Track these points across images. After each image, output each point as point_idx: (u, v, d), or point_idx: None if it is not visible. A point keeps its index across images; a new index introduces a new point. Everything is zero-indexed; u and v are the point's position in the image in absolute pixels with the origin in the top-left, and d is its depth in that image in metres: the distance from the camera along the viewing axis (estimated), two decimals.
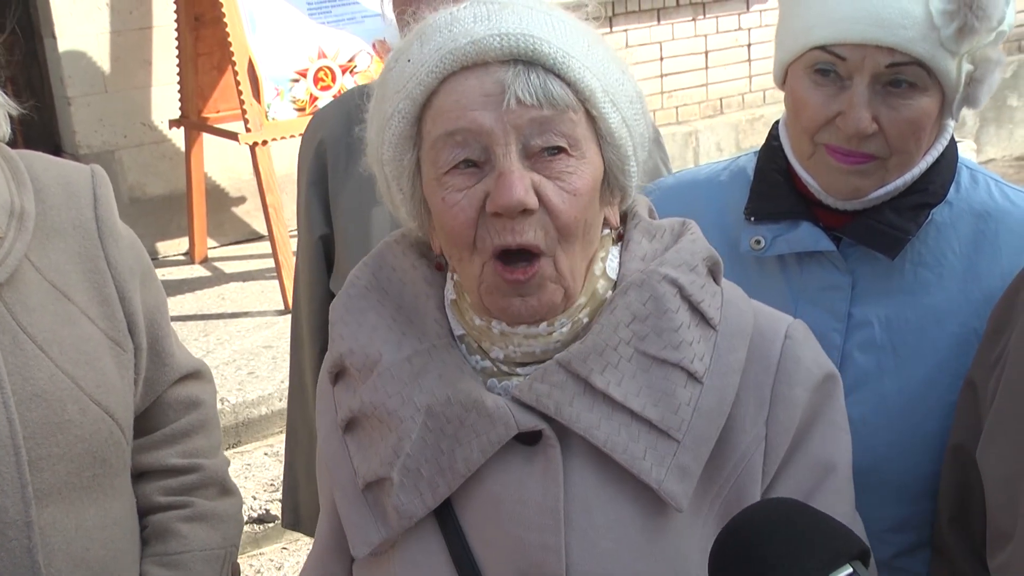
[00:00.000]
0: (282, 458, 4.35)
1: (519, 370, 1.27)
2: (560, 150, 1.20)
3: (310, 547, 1.53)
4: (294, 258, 5.20)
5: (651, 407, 1.23)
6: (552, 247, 1.21)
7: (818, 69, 1.55)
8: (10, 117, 1.69)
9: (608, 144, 1.25)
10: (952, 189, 1.64)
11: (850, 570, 1.01)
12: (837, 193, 1.60)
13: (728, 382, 1.26)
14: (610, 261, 1.31)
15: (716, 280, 1.33)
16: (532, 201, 1.18)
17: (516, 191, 1.17)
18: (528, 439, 1.23)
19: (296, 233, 2.44)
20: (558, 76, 1.20)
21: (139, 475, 1.78)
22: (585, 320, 1.27)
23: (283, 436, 4.42)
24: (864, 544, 1.05)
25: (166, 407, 1.82)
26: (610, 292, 1.29)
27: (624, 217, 1.36)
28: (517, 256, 1.20)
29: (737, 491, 1.27)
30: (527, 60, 1.19)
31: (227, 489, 1.87)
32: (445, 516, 1.25)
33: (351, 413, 1.31)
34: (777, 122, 1.72)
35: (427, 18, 1.25)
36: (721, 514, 1.26)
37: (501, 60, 1.19)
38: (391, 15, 2.13)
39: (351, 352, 1.31)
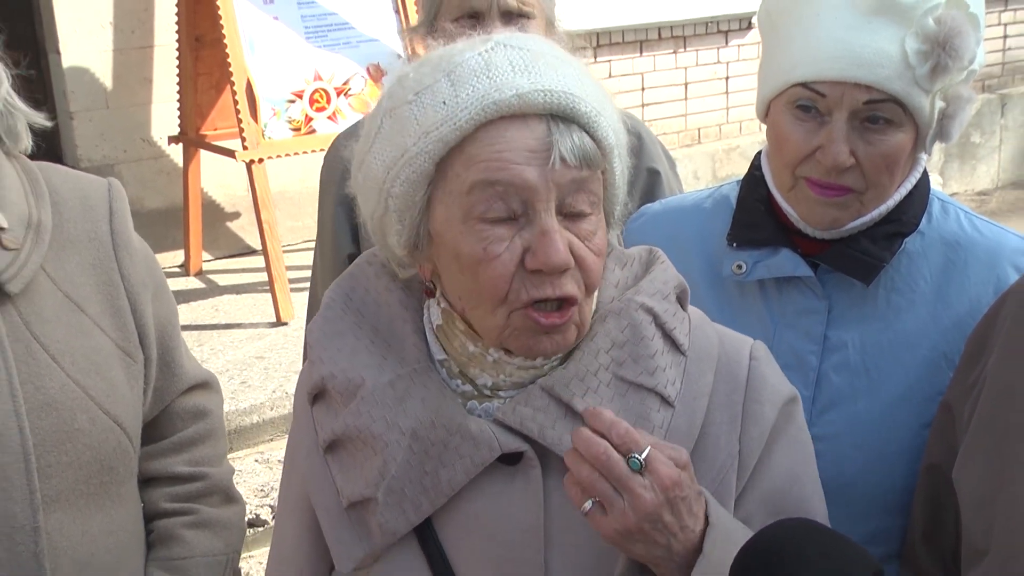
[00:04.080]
0: (272, 465, 4.34)
1: (500, 393, 1.27)
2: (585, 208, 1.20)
3: None
4: (287, 272, 5.22)
5: None
6: (582, 297, 1.21)
7: (799, 105, 1.57)
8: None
9: (610, 193, 1.26)
10: (924, 219, 1.66)
11: None
12: (816, 224, 1.62)
13: (698, 405, 1.27)
14: None
15: (684, 307, 1.34)
16: (572, 261, 1.18)
17: (562, 253, 1.16)
18: (509, 459, 1.23)
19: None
20: (589, 134, 1.19)
21: (146, 481, 1.77)
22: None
23: (273, 444, 4.41)
24: (878, 565, 1.05)
25: (174, 416, 1.81)
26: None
27: None
28: (549, 302, 1.20)
29: None
30: (564, 116, 1.17)
31: (231, 497, 1.86)
32: (425, 533, 1.25)
33: (334, 435, 1.29)
34: (759, 153, 1.74)
35: (452, 56, 1.21)
36: None
37: (539, 113, 1.16)
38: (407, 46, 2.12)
39: (332, 376, 1.28)
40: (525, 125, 1.16)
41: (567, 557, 1.22)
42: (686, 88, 7.16)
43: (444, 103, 1.16)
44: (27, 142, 1.65)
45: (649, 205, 1.90)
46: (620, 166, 1.25)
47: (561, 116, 1.17)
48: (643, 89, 6.98)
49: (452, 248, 1.20)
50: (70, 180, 1.72)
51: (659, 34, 6.96)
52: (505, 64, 1.17)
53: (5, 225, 1.58)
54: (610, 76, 6.80)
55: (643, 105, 6.99)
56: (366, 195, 1.27)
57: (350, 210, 2.16)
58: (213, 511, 1.80)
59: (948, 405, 1.49)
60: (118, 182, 1.76)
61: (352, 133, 2.26)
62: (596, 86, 1.22)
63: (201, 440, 1.83)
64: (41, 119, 1.66)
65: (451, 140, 1.16)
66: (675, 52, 7.06)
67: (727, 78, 7.28)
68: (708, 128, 7.28)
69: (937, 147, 1.72)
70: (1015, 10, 8.23)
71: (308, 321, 2.37)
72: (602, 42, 6.72)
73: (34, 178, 1.66)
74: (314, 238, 2.40)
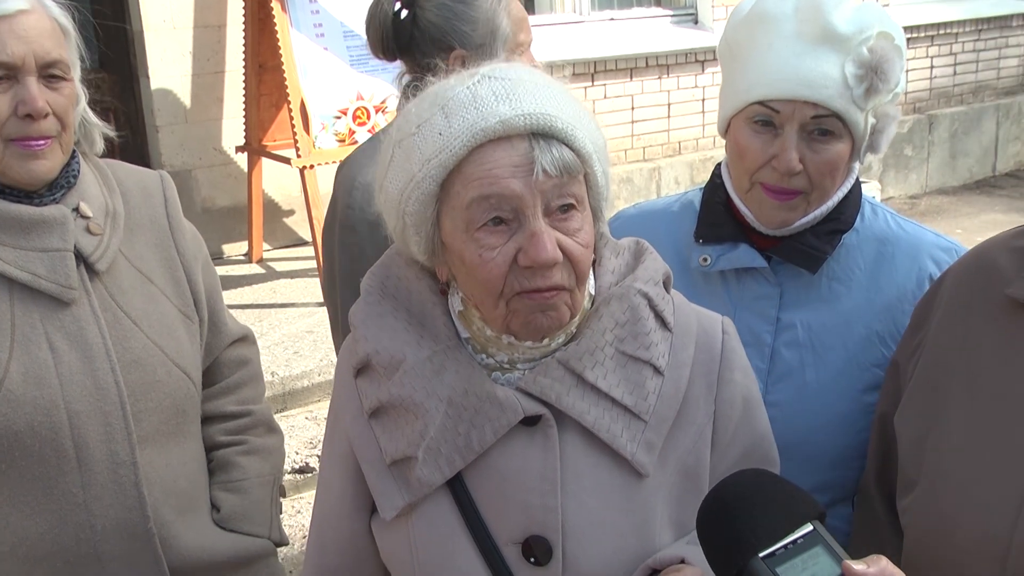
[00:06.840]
0: (320, 421, 4.34)
1: (518, 366, 1.26)
2: (571, 207, 1.18)
3: None
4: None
5: (627, 395, 1.23)
6: (572, 284, 1.20)
7: (757, 120, 1.56)
8: (108, 139, 1.70)
9: (594, 192, 1.24)
10: (858, 219, 1.65)
11: (811, 527, 1.01)
12: (768, 223, 1.61)
13: (682, 373, 1.27)
14: (591, 281, 1.30)
15: (668, 290, 1.33)
16: (560, 255, 1.16)
17: (549, 250, 1.14)
18: (529, 421, 1.23)
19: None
20: (567, 146, 1.17)
21: (204, 419, 1.79)
22: (574, 329, 1.26)
23: (321, 404, 4.41)
24: (822, 508, 1.04)
25: (222, 365, 1.83)
26: (588, 304, 1.27)
27: None
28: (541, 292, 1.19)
29: (695, 456, 1.28)
30: (544, 134, 1.15)
31: (272, 428, 1.88)
32: (456, 485, 1.24)
33: (378, 403, 1.27)
34: (719, 164, 1.73)
35: (445, 91, 1.19)
36: (682, 474, 1.27)
37: (522, 134, 1.15)
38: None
39: (377, 353, 1.26)
40: (510, 145, 1.14)
41: (578, 501, 1.22)
42: (669, 108, 7.12)
43: (440, 134, 1.16)
44: (100, 146, 1.69)
45: (624, 209, 1.89)
46: (600, 168, 1.23)
47: (541, 134, 1.15)
48: (632, 108, 6.94)
49: (458, 254, 1.20)
50: (132, 174, 1.74)
51: (646, 63, 6.92)
52: (489, 95, 1.16)
53: (90, 214, 1.59)
54: (605, 97, 6.77)
55: (632, 122, 6.95)
56: (388, 213, 1.26)
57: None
58: (259, 440, 1.82)
59: (896, 363, 1.50)
60: (167, 174, 1.77)
61: (357, 160, 1.98)
62: (573, 103, 1.20)
63: (245, 384, 1.86)
64: (110, 130, 1.69)
65: (449, 164, 1.16)
66: (660, 78, 7.02)
67: (703, 100, 7.24)
68: (687, 142, 7.24)
69: (876, 159, 1.71)
70: (939, 45, 8.22)
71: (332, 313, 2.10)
72: (599, 69, 6.69)
73: (105, 174, 1.68)
74: None
